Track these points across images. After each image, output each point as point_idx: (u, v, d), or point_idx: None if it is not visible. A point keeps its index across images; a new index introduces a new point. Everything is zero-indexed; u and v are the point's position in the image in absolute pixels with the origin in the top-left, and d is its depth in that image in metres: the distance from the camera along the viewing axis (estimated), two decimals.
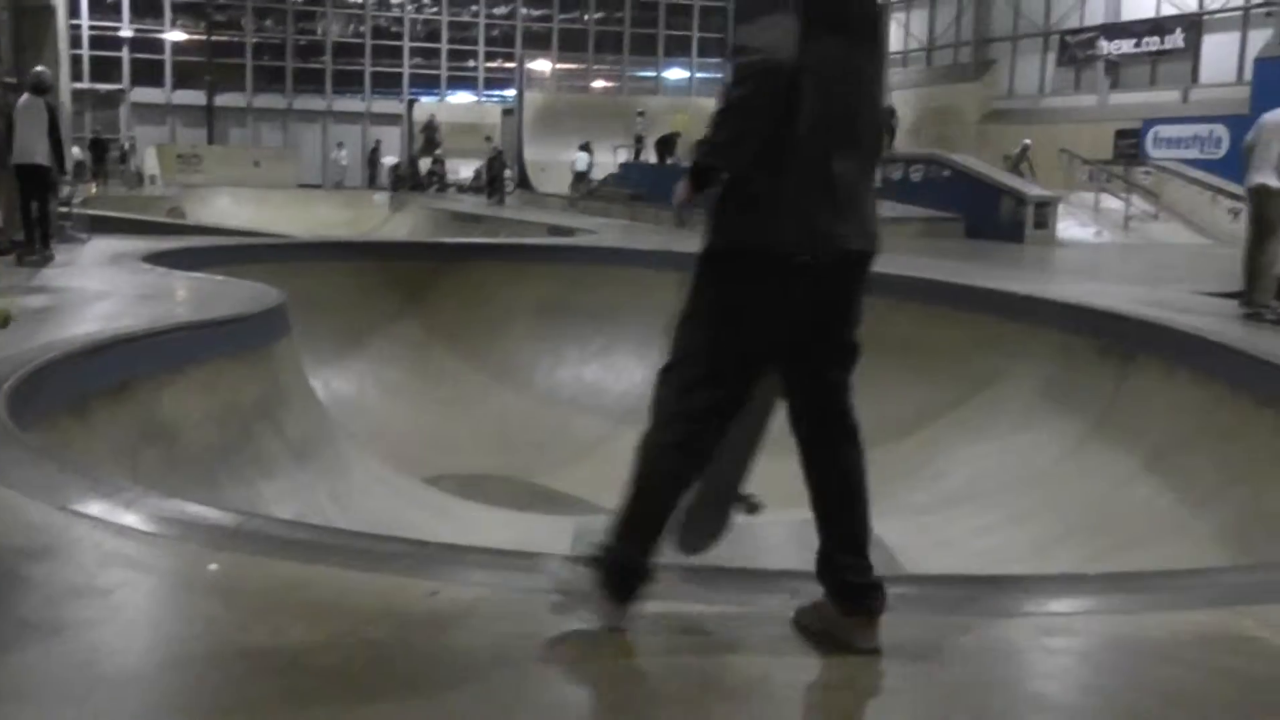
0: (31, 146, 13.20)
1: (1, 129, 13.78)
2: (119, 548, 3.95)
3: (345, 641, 3.22)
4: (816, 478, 3.34)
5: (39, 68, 14.42)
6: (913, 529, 9.27)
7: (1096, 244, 22.12)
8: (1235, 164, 26.94)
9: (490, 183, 33.61)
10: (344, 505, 8.91)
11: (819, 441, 3.33)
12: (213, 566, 3.83)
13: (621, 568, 3.34)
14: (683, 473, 3.33)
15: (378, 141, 44.33)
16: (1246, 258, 10.94)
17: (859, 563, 3.28)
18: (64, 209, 16.73)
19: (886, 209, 23.09)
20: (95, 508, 4.30)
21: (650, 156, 34.63)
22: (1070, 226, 22.89)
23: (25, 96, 13.67)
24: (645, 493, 3.32)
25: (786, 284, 3.16)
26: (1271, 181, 10.69)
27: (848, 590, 3.26)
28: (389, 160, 41.13)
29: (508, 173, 35.52)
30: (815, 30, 3.10)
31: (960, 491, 10.18)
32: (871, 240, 3.29)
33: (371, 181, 41.52)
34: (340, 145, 43.98)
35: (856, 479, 3.31)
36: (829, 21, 3.16)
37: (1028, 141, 29.39)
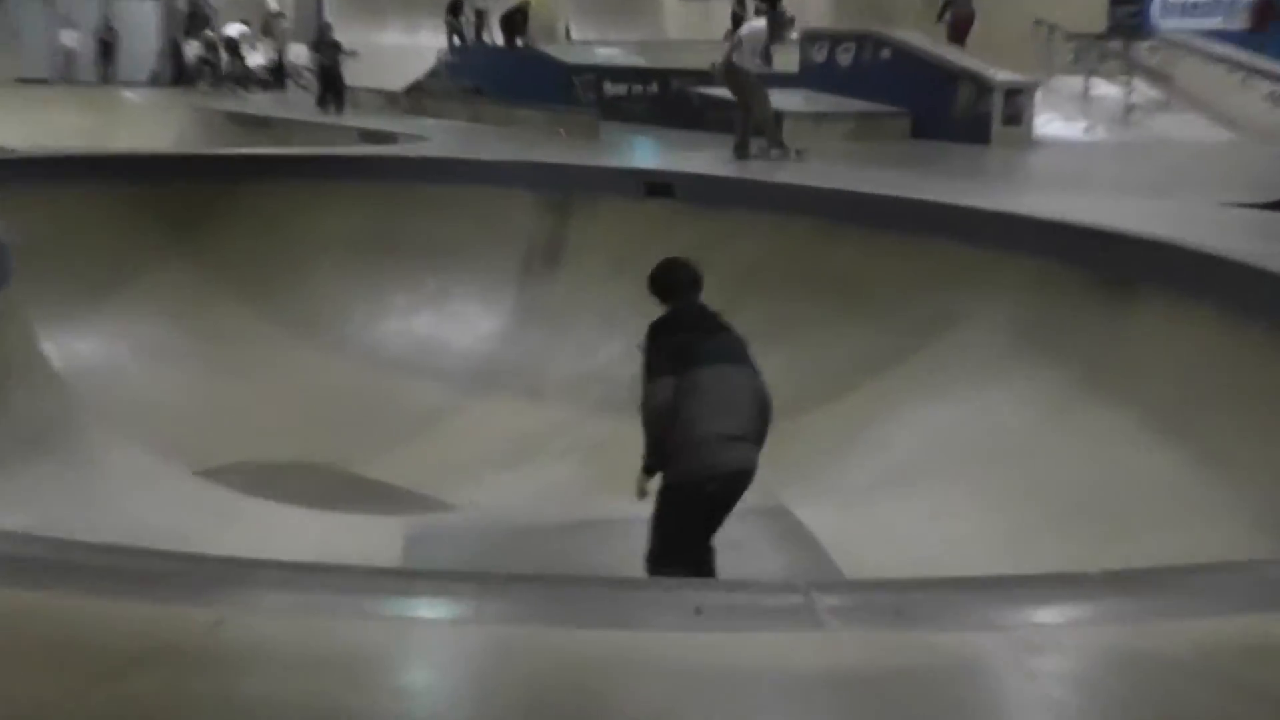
0: None
1: None
2: None
3: (99, 694, 3.17)
4: None
5: None
6: (849, 516, 9.39)
7: (1088, 143, 22.49)
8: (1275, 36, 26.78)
9: (325, 82, 30.00)
10: (93, 510, 8.81)
11: None
12: None
13: None
14: None
15: (108, 24, 43.44)
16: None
17: None
18: None
19: (807, 101, 23.12)
20: None
21: (495, 36, 34.52)
22: (1052, 121, 23.24)
23: None
24: None
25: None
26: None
27: None
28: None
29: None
30: (687, 367, 7.08)
31: (911, 466, 10.34)
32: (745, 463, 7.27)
33: (105, 76, 40.90)
34: (69, 26, 43.15)
35: None
36: (695, 360, 7.13)
37: None
